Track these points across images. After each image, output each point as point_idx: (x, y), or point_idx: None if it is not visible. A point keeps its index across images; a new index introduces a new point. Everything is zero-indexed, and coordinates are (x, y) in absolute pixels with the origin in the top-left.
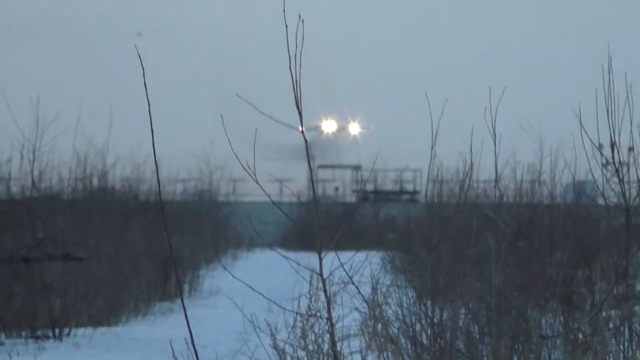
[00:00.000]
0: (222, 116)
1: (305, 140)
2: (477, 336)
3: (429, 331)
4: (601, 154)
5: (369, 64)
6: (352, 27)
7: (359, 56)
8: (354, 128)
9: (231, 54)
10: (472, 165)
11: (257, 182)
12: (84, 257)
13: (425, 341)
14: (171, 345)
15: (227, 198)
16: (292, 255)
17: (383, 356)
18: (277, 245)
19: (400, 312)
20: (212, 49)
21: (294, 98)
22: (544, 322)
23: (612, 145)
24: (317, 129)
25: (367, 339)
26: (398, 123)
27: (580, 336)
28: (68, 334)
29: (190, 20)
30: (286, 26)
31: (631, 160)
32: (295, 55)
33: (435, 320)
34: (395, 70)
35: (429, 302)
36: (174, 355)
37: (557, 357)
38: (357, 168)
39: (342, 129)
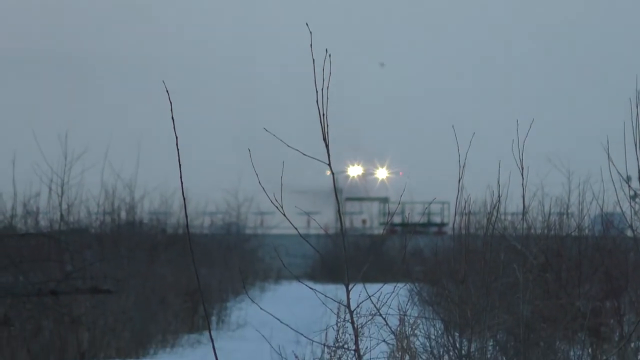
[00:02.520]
0: (249, 149)
1: (333, 172)
2: None
3: None
4: (629, 186)
5: (395, 106)
6: (377, 69)
7: (384, 97)
8: (382, 173)
9: (260, 90)
10: (499, 197)
11: (285, 215)
12: (112, 290)
13: None
14: None
15: (254, 231)
16: (319, 287)
17: None
18: (305, 278)
19: (428, 344)
20: (241, 84)
21: (321, 131)
22: (572, 353)
23: None
24: (344, 173)
25: None
26: (426, 157)
27: None
28: None
29: (219, 56)
30: (313, 60)
31: None
32: (322, 89)
33: (463, 352)
34: (422, 106)
35: (456, 334)
36: None
37: None
38: (384, 200)
39: (369, 174)
